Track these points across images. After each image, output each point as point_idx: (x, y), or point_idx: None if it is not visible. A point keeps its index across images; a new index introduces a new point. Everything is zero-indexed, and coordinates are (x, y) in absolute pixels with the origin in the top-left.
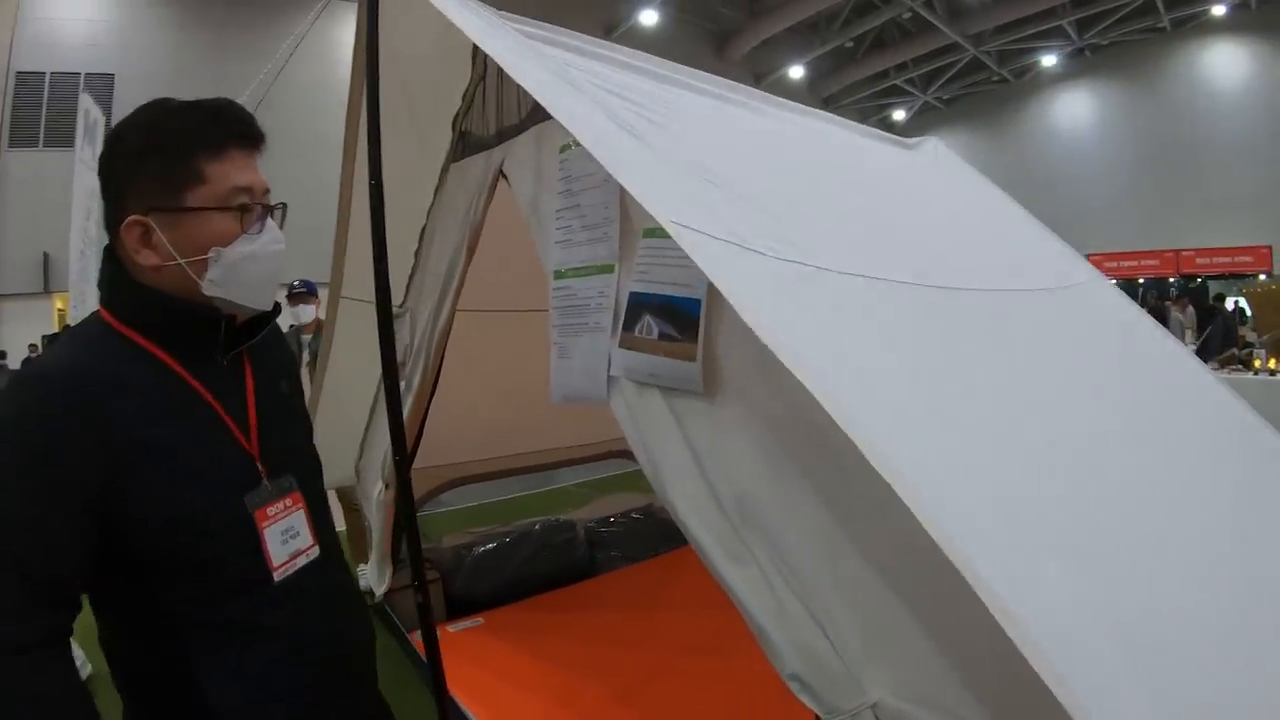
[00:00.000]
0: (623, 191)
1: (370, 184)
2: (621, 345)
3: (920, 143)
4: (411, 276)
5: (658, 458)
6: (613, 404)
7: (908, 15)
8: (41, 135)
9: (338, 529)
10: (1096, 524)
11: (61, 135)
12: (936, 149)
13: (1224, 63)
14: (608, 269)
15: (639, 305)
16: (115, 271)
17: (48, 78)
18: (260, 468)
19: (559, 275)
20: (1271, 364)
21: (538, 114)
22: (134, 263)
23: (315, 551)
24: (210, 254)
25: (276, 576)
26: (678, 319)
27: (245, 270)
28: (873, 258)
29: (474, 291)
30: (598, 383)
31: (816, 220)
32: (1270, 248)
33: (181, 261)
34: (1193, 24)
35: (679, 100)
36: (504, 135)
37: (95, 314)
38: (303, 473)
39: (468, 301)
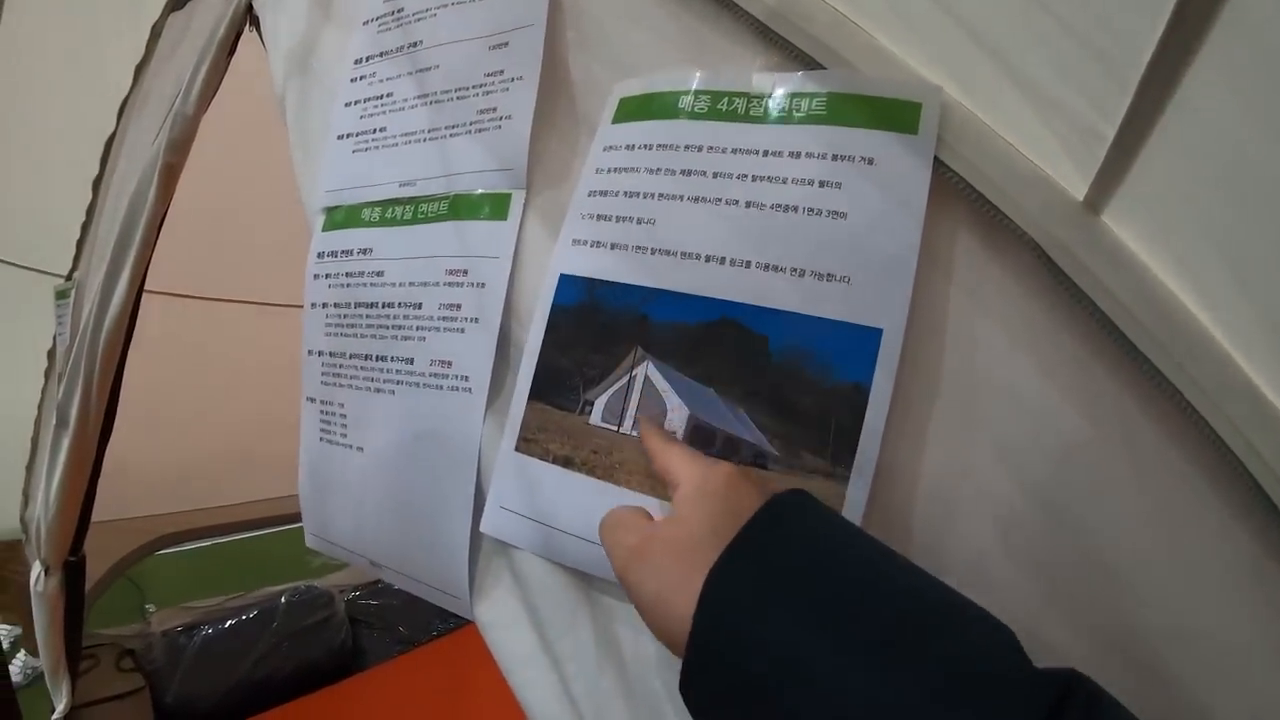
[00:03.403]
0: (558, 9)
1: None
2: (520, 446)
3: None
4: (86, 225)
5: None
6: (483, 614)
7: None
8: None
9: None
10: None
11: None
12: None
13: None
14: (491, 206)
15: (607, 322)
16: None
17: None
18: None
19: (336, 219)
20: None
21: None
22: None
23: None
24: None
25: None
26: (781, 390)
27: None
28: None
29: (202, 262)
30: (443, 545)
31: None
32: None
33: None
34: None
35: None
36: None
37: None
38: None
39: (184, 280)
